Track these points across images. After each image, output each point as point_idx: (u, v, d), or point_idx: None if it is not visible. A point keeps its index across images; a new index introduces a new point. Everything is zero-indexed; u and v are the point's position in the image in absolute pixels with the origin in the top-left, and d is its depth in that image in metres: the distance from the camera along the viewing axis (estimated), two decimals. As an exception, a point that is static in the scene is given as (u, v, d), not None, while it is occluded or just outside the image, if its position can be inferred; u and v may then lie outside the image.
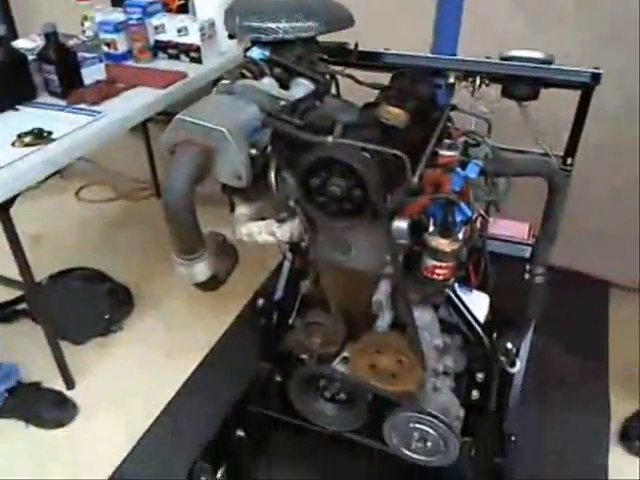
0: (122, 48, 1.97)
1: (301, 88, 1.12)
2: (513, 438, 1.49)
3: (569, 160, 1.47)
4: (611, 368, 1.90)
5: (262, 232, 1.10)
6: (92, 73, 1.83)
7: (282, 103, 1.03)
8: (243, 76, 1.10)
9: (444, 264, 1.03)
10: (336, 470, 1.57)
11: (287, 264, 1.50)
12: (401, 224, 1.00)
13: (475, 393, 1.26)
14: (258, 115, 1.00)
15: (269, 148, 1.02)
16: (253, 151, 0.99)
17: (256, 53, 1.14)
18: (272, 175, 1.03)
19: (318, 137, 0.93)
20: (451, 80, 1.31)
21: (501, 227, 1.60)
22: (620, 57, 1.75)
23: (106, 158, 2.87)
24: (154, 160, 2.72)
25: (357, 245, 1.07)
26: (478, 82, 1.30)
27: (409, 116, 1.04)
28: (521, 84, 1.32)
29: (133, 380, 1.90)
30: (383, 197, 0.93)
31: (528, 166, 1.15)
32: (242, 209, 1.13)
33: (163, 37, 1.97)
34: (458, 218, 1.00)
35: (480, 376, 1.24)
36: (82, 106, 1.68)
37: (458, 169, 1.03)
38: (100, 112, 1.64)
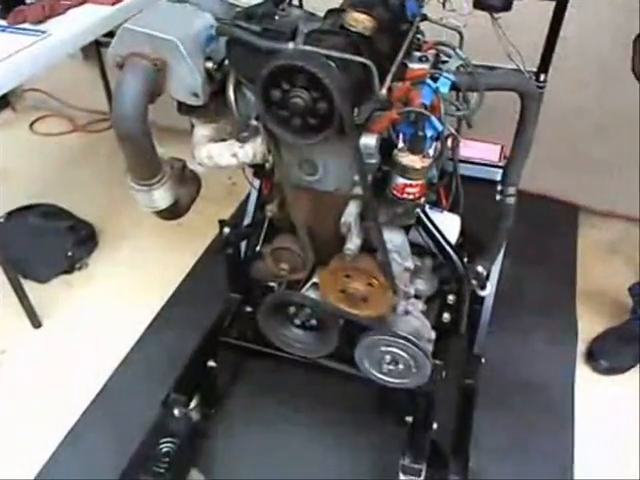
0: (67, -39, 1.81)
1: (259, -6, 1.03)
2: (483, 360, 1.51)
3: (542, 76, 1.43)
4: (579, 291, 1.93)
5: (223, 154, 1.04)
6: (34, -10, 1.68)
7: (238, 10, 0.95)
8: (195, -18, 1.01)
9: (414, 182, 0.98)
10: (311, 396, 1.58)
11: (254, 191, 1.45)
12: (369, 140, 0.95)
13: (446, 315, 1.26)
14: (212, 24, 0.93)
15: (226, 61, 0.94)
16: (209, 64, 0.93)
17: (209, -44, 1.04)
18: (231, 90, 0.96)
19: (278, 44, 0.87)
20: (421, -11, 1.23)
21: (473, 149, 1.56)
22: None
23: (60, 89, 2.73)
24: (111, 89, 2.58)
25: (324, 165, 1.02)
26: (449, -9, 1.23)
27: (376, 24, 0.97)
28: (493, -7, 1.25)
29: (101, 316, 1.86)
30: (350, 110, 0.87)
31: (502, 80, 1.10)
32: (201, 130, 1.07)
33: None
34: (428, 133, 0.95)
35: (451, 298, 1.23)
36: (25, 26, 1.55)
37: (429, 81, 0.97)
38: (45, 32, 1.52)
